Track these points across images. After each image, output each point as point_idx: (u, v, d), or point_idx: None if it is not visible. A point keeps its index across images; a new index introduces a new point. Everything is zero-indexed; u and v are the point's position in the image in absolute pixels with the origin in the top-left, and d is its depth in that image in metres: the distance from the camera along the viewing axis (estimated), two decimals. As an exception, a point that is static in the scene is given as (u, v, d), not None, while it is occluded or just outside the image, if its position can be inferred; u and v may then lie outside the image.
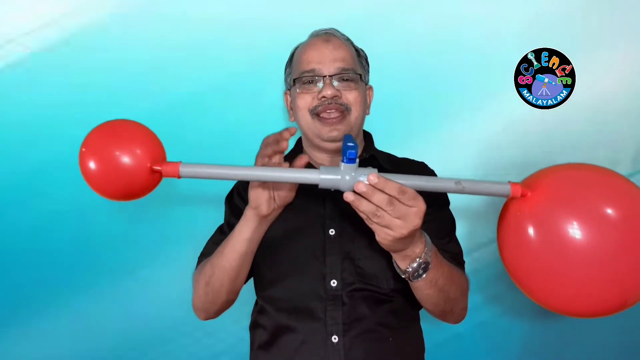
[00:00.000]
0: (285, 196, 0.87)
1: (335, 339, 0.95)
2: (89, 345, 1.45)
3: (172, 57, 1.38)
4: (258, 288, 1.08)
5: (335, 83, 1.01)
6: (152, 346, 1.46)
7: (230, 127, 1.41)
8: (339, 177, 0.72)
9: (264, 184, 0.84)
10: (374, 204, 0.70)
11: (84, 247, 1.41)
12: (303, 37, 1.13)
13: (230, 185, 1.17)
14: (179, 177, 0.77)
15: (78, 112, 1.39)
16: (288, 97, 1.13)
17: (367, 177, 0.70)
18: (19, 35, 1.37)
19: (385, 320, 0.98)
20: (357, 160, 0.72)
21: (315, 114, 1.02)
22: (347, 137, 0.73)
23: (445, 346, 1.39)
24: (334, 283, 0.97)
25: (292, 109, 1.11)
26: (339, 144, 1.04)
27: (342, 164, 0.72)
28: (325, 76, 1.01)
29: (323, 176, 0.73)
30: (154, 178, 0.79)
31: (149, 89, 1.39)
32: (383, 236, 0.74)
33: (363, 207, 0.71)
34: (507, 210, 0.77)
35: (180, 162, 0.78)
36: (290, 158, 1.13)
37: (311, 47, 1.05)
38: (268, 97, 1.39)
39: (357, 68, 1.06)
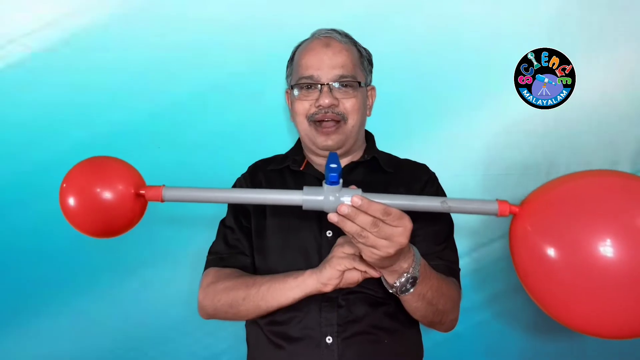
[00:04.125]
0: (350, 283, 0.89)
1: (329, 339, 0.95)
2: (89, 345, 1.45)
3: (172, 57, 1.38)
4: None
5: (335, 87, 1.01)
6: (152, 346, 1.46)
7: (230, 127, 1.41)
8: (322, 198, 0.71)
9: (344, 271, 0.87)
10: (359, 225, 0.69)
11: (84, 247, 1.41)
12: (303, 37, 1.13)
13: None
14: (162, 200, 0.77)
15: (78, 112, 1.39)
16: (289, 95, 1.12)
17: (351, 199, 0.68)
18: (19, 35, 1.38)
19: (381, 322, 0.98)
20: (341, 181, 0.70)
21: (313, 121, 1.02)
22: (331, 157, 0.71)
23: (443, 346, 1.39)
24: None
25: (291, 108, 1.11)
26: (336, 152, 1.05)
27: (325, 185, 0.70)
28: (323, 83, 1.00)
29: (306, 197, 0.72)
30: (139, 205, 0.78)
31: (149, 89, 1.39)
32: (369, 255, 0.73)
33: (347, 228, 0.70)
34: (511, 229, 0.75)
35: (164, 185, 0.77)
36: (292, 155, 1.14)
37: (310, 52, 1.04)
38: (268, 97, 1.39)
39: (357, 74, 1.04)
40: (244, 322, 1.13)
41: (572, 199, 0.68)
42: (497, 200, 0.74)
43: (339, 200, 0.70)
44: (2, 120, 1.39)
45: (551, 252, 0.66)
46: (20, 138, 1.39)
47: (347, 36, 1.09)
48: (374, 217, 0.68)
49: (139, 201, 0.77)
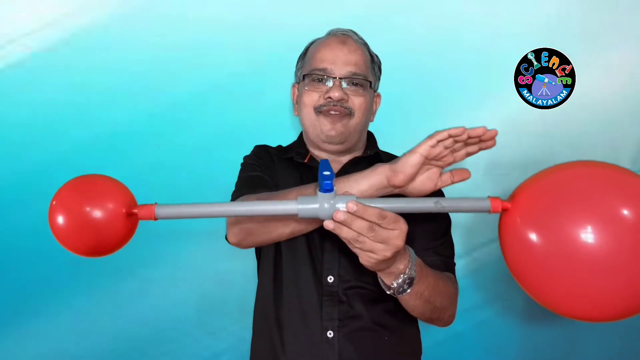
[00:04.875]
0: (421, 189, 0.83)
1: (330, 334, 0.96)
2: (89, 345, 1.45)
3: (172, 57, 1.38)
4: (259, 278, 1.09)
5: (344, 86, 1.02)
6: (153, 346, 1.46)
7: (230, 127, 1.41)
8: (317, 206, 0.70)
9: (426, 161, 0.80)
10: (355, 231, 0.69)
11: (84, 247, 1.41)
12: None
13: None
14: (155, 219, 0.74)
15: (78, 112, 1.39)
16: (296, 90, 1.13)
17: (346, 205, 0.68)
18: (19, 35, 1.38)
19: (381, 319, 0.99)
20: (335, 188, 0.70)
21: (320, 112, 1.03)
22: (322, 164, 0.71)
23: (443, 346, 1.39)
24: (330, 279, 0.98)
25: (297, 103, 1.11)
26: (338, 147, 1.05)
27: (319, 193, 0.70)
28: (335, 77, 1.02)
29: (301, 206, 0.71)
30: (130, 224, 0.76)
31: (149, 89, 1.39)
32: (367, 259, 0.73)
33: (344, 234, 0.70)
34: (501, 224, 0.76)
35: (156, 203, 0.75)
36: (296, 148, 1.14)
37: (326, 46, 1.06)
38: (268, 97, 1.39)
39: (368, 74, 1.06)
40: (244, 323, 1.13)
41: (559, 189, 0.70)
42: (488, 197, 0.75)
43: (334, 207, 0.70)
44: (2, 120, 1.39)
45: (538, 240, 0.69)
46: (20, 138, 1.39)
47: (362, 39, 1.11)
48: (370, 221, 0.69)
49: (130, 221, 0.76)
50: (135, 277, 1.44)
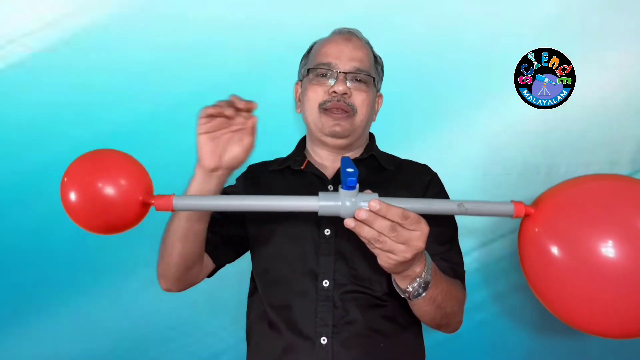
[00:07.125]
0: (234, 157, 0.84)
1: (324, 340, 0.94)
2: (90, 345, 1.45)
3: (172, 57, 1.38)
4: (252, 282, 1.09)
5: (348, 82, 1.02)
6: (153, 345, 1.46)
7: (230, 127, 1.41)
8: (339, 203, 0.70)
9: (213, 136, 0.83)
10: (376, 230, 0.68)
11: (84, 247, 1.41)
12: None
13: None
14: (173, 210, 0.75)
15: (78, 112, 1.39)
16: (299, 88, 1.13)
17: (368, 204, 0.67)
18: (20, 35, 1.38)
19: (377, 325, 0.96)
20: (357, 185, 0.69)
21: (324, 109, 1.02)
22: (345, 161, 0.70)
23: (445, 346, 1.38)
24: (326, 283, 0.96)
25: (300, 100, 1.11)
26: (341, 141, 1.05)
27: (342, 190, 0.69)
28: (340, 72, 1.02)
29: (322, 203, 0.71)
30: (143, 212, 0.76)
31: (149, 89, 1.39)
32: (386, 260, 0.71)
33: (365, 233, 0.69)
34: (521, 230, 0.75)
35: (174, 194, 0.75)
36: (293, 156, 1.14)
37: (332, 42, 1.07)
38: (268, 97, 1.39)
39: (372, 72, 1.06)
40: (245, 323, 1.13)
41: (584, 202, 0.69)
42: (512, 201, 0.73)
43: (356, 205, 0.68)
44: (2, 120, 1.39)
45: (560, 254, 0.67)
46: (20, 138, 1.39)
47: (366, 39, 1.12)
48: (392, 221, 0.67)
49: (144, 209, 0.75)
50: (136, 277, 1.44)
